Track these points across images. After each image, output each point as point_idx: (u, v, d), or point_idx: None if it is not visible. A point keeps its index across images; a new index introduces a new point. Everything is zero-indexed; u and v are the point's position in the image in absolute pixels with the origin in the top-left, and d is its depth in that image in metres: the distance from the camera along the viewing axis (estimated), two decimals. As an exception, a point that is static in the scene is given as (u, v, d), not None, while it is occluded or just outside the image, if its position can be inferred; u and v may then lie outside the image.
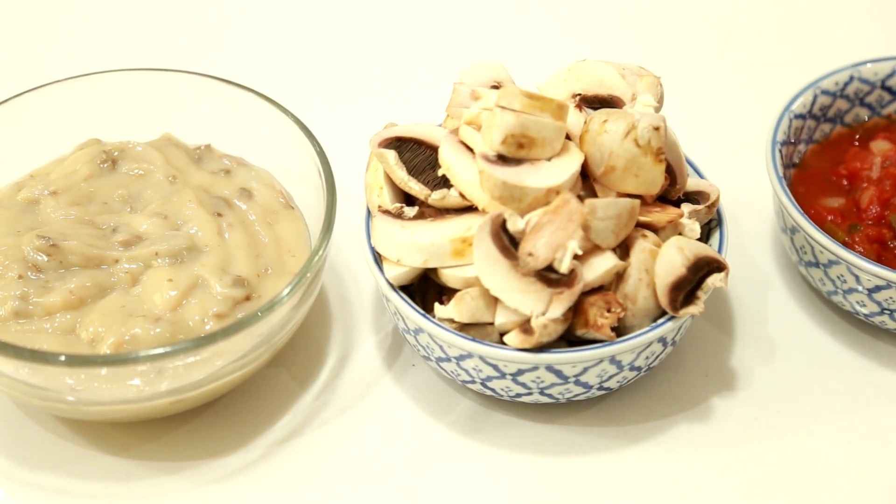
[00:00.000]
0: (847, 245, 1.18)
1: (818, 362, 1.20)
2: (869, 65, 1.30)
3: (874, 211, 1.21)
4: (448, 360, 1.11)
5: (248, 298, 1.13)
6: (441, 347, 1.10)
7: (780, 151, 1.24)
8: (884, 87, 1.31)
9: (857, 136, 1.31)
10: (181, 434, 1.14)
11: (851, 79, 1.30)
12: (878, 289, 1.14)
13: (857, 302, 1.17)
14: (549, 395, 1.11)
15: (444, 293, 1.12)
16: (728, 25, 1.59)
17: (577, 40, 1.57)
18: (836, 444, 1.14)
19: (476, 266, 1.07)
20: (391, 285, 1.11)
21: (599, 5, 1.63)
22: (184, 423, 1.14)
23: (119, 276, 1.13)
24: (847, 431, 1.15)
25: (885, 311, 1.16)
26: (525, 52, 1.54)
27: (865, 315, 1.18)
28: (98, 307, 1.10)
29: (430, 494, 1.11)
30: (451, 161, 1.10)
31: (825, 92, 1.29)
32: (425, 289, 1.15)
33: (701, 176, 1.21)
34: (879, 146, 1.27)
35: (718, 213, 1.17)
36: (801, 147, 1.30)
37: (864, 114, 1.32)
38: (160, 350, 1.04)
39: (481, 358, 1.08)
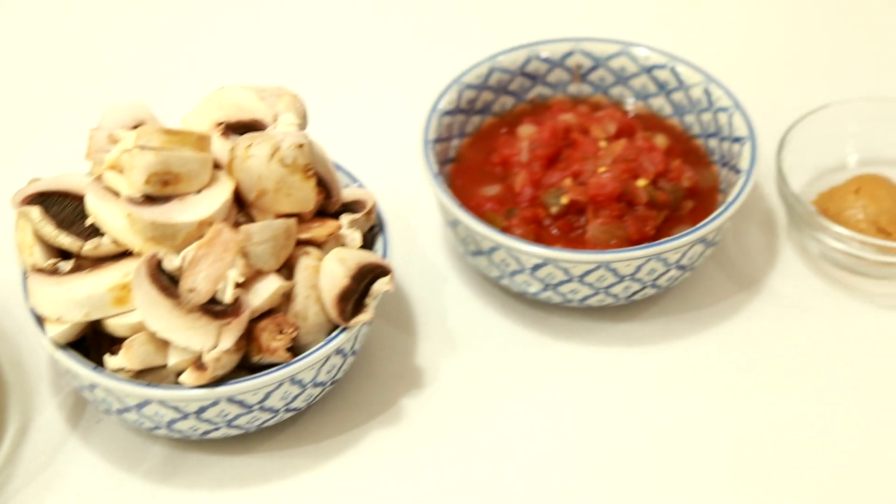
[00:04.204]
0: (506, 230, 1.23)
1: (498, 345, 1.25)
2: (502, 56, 1.35)
3: (528, 193, 1.26)
4: (128, 410, 1.09)
5: None
6: (118, 399, 1.08)
7: (434, 149, 1.28)
8: (523, 74, 1.37)
9: (506, 124, 1.36)
10: None
11: (492, 70, 1.35)
12: (538, 267, 1.19)
13: (524, 282, 1.22)
14: (238, 427, 1.11)
15: (117, 342, 1.10)
16: (366, 31, 1.62)
17: (217, 66, 1.57)
18: (524, 419, 1.18)
19: (139, 311, 1.05)
20: (57, 345, 1.08)
21: (236, 28, 1.63)
22: None
23: None
24: (533, 405, 1.19)
25: (549, 287, 1.21)
26: (167, 87, 1.52)
27: (533, 294, 1.24)
28: None
29: (133, 549, 1.08)
30: (97, 209, 1.08)
31: (470, 86, 1.34)
32: (99, 340, 1.12)
33: (359, 184, 1.23)
34: (526, 130, 1.32)
35: (379, 218, 1.19)
36: (455, 142, 1.34)
37: (509, 102, 1.38)
38: None
39: (160, 402, 1.06)
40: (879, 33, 1.59)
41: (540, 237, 1.24)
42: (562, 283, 1.20)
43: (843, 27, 1.61)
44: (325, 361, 1.10)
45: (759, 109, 1.33)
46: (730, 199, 1.21)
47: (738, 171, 1.25)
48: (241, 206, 1.12)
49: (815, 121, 1.33)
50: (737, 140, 1.28)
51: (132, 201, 1.06)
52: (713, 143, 1.32)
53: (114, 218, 1.07)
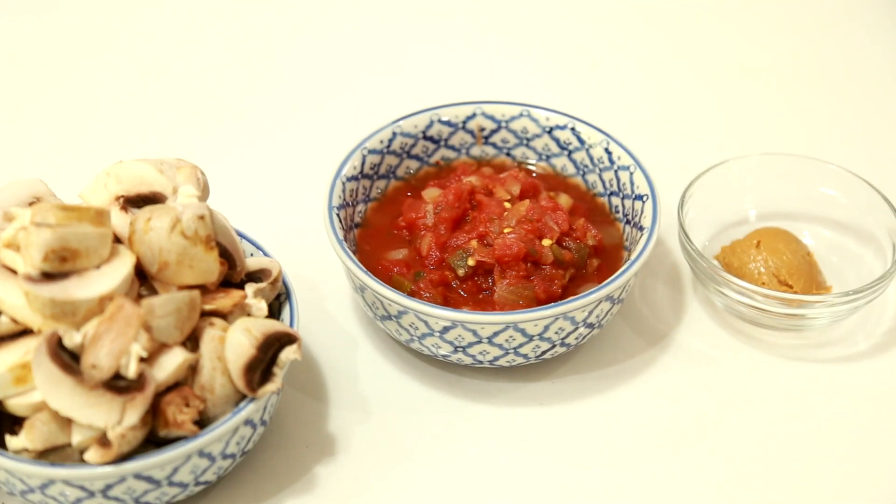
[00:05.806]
0: (414, 293, 1.23)
1: (411, 409, 1.24)
2: (404, 121, 1.36)
3: (435, 256, 1.27)
4: (31, 491, 1.06)
5: None
6: (21, 480, 1.05)
7: (339, 215, 1.28)
8: (426, 138, 1.38)
9: (411, 188, 1.37)
10: None
11: (395, 135, 1.36)
12: (447, 329, 1.19)
13: (434, 345, 1.22)
14: (147, 503, 1.09)
15: (18, 422, 1.07)
16: (265, 97, 1.63)
17: (114, 140, 1.56)
18: (439, 482, 1.18)
19: (40, 390, 1.03)
20: (-45, 428, 1.06)
21: (132, 100, 1.62)
22: None
23: None
24: (448, 467, 1.19)
25: (459, 349, 1.21)
26: (64, 162, 1.51)
27: (444, 356, 1.23)
28: None
29: None
30: (-6, 287, 1.06)
31: (372, 151, 1.35)
32: (0, 421, 1.10)
33: (264, 253, 1.22)
34: (430, 193, 1.33)
35: (285, 285, 1.19)
36: (361, 207, 1.34)
37: (413, 165, 1.39)
38: None
39: (65, 482, 1.04)
40: (771, 92, 1.64)
41: (448, 300, 1.24)
42: (471, 344, 1.20)
43: (737, 86, 1.65)
44: (234, 433, 1.09)
45: (660, 167, 1.35)
46: (633, 256, 1.23)
47: (641, 229, 1.27)
48: (144, 280, 1.11)
49: (713, 177, 1.36)
50: (639, 198, 1.30)
51: (30, 279, 1.04)
52: (616, 201, 1.34)
53: (11, 296, 1.05)
